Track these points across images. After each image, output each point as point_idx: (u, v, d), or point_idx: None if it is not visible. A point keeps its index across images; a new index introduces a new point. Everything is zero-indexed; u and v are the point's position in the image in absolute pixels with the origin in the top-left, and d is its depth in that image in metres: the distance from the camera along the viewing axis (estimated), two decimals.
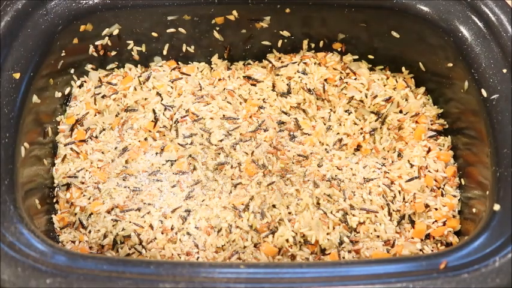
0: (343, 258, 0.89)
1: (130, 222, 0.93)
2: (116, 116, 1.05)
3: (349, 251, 0.90)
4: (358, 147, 1.03)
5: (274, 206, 0.93)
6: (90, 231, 0.94)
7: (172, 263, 0.70)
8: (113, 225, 0.93)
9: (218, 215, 0.93)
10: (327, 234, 0.90)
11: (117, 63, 1.10)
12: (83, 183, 0.98)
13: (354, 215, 0.92)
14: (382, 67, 1.09)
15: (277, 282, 0.67)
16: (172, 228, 0.93)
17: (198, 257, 0.90)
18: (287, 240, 0.89)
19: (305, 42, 1.08)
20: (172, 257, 0.90)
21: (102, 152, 1.02)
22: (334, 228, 0.91)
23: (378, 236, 0.91)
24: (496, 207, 0.76)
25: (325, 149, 1.02)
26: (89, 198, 0.97)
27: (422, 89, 1.07)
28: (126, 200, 0.96)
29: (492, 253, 0.69)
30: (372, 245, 0.91)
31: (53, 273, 0.67)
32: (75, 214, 0.96)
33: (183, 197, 0.96)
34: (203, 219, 0.93)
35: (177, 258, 0.90)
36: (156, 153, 1.01)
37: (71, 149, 1.01)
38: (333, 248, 0.90)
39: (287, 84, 1.05)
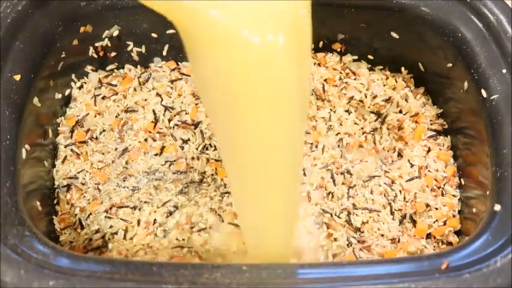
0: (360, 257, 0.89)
1: (120, 219, 0.93)
2: (116, 117, 1.05)
3: (361, 249, 0.90)
4: (359, 147, 1.03)
5: None
6: (86, 231, 0.94)
7: (175, 264, 0.70)
8: (106, 223, 0.93)
9: (202, 214, 0.94)
10: (335, 239, 0.91)
11: (116, 64, 1.09)
12: (83, 184, 0.98)
13: (357, 215, 0.92)
14: (381, 67, 1.10)
15: (279, 284, 0.67)
16: (154, 223, 0.93)
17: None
18: None
19: None
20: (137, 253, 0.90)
21: (103, 153, 1.02)
22: (339, 231, 0.92)
23: (383, 235, 0.92)
24: (497, 207, 0.76)
25: None
26: (89, 199, 0.97)
27: (421, 89, 1.07)
28: (123, 198, 0.96)
29: (493, 253, 0.69)
30: (379, 243, 0.91)
31: (55, 276, 0.67)
32: (76, 215, 0.96)
33: (176, 193, 0.97)
34: (185, 214, 0.94)
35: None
36: (156, 154, 1.01)
37: (71, 150, 1.01)
38: (342, 252, 0.90)
39: None
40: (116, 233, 0.92)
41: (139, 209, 0.95)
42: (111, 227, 0.93)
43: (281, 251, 0.79)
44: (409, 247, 0.90)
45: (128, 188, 0.98)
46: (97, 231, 0.93)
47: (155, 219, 0.93)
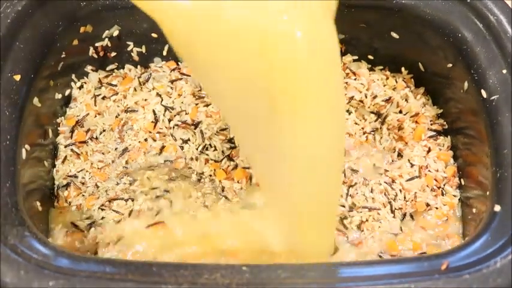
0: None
1: (112, 210, 0.94)
2: (116, 117, 1.05)
3: (356, 245, 0.90)
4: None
5: None
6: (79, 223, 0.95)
7: (175, 264, 0.70)
8: (99, 214, 0.94)
9: (190, 206, 0.94)
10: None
11: (116, 64, 1.09)
12: (83, 183, 0.98)
13: (353, 216, 0.92)
14: (381, 67, 1.10)
15: (279, 284, 0.67)
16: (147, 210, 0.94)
17: None
18: None
19: None
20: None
21: (103, 153, 1.02)
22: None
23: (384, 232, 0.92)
24: (497, 208, 0.76)
25: None
26: (86, 197, 0.97)
27: (422, 89, 1.07)
28: (118, 191, 0.97)
29: (493, 254, 0.69)
30: (382, 237, 0.91)
31: (55, 276, 0.67)
32: (73, 212, 0.96)
33: (168, 181, 0.98)
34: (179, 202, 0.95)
35: None
36: (156, 154, 1.01)
37: (71, 150, 1.01)
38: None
39: None
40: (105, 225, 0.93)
41: (133, 200, 0.95)
42: (102, 218, 0.93)
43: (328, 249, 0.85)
44: (417, 235, 0.91)
45: (125, 183, 0.98)
46: (88, 218, 0.94)
47: (147, 207, 0.94)
